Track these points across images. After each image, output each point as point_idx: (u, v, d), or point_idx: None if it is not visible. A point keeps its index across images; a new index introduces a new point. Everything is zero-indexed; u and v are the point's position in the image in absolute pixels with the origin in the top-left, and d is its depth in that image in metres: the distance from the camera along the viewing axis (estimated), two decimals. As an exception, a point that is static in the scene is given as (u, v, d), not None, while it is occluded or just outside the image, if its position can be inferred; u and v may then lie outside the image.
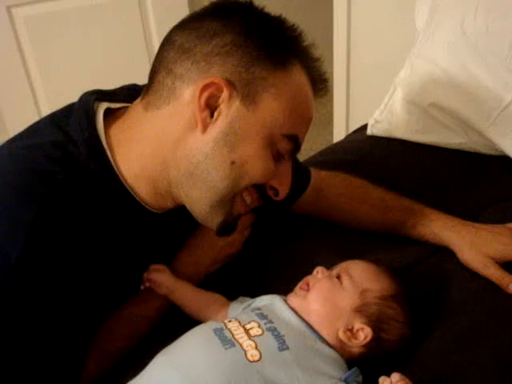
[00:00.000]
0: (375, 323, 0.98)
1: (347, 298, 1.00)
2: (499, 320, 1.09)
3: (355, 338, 0.97)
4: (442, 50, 1.67)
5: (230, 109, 0.95)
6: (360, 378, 0.94)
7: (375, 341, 0.97)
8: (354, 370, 0.94)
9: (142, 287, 1.13)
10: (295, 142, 1.01)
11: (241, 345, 0.91)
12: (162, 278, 1.12)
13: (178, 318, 1.12)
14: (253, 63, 0.95)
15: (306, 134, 1.06)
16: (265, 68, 0.96)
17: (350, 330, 0.98)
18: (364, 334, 0.97)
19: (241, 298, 1.11)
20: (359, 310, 0.98)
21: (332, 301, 1.00)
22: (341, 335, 0.97)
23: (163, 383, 0.89)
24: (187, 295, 1.12)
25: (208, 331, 0.95)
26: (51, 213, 0.90)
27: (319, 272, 1.05)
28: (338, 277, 1.03)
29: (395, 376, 0.89)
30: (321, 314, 0.99)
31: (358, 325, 0.97)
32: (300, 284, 1.05)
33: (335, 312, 0.98)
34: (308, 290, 1.03)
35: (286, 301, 1.03)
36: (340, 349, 0.97)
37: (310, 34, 1.04)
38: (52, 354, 0.94)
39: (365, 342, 0.97)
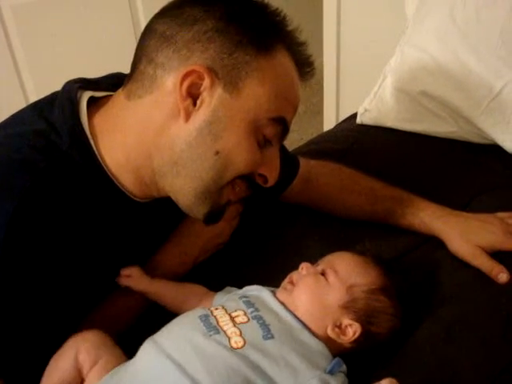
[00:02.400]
0: (364, 318, 0.97)
1: (334, 294, 0.98)
2: (489, 309, 1.09)
3: (344, 335, 0.96)
4: (432, 37, 1.66)
5: (212, 97, 0.94)
6: (344, 368, 0.93)
7: (365, 335, 0.96)
8: (336, 360, 0.92)
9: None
10: (283, 125, 1.00)
11: (225, 332, 0.90)
12: (133, 283, 1.10)
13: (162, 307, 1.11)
14: (235, 49, 0.94)
15: (293, 122, 1.05)
16: (248, 53, 0.94)
17: (339, 327, 0.96)
18: (353, 330, 0.96)
19: (227, 288, 1.10)
20: (347, 307, 0.97)
21: (318, 299, 0.98)
22: (329, 332, 0.95)
23: (153, 370, 0.88)
24: (165, 293, 1.11)
25: (194, 318, 0.95)
26: (33, 202, 0.89)
27: (304, 268, 1.03)
28: (324, 273, 1.01)
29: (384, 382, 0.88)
30: (308, 311, 0.97)
31: (346, 321, 0.96)
32: (286, 280, 1.04)
33: (322, 310, 0.97)
34: (293, 286, 1.02)
35: (274, 293, 1.02)
36: (329, 344, 0.95)
37: (300, 22, 1.03)
38: (32, 342, 0.92)
39: (354, 338, 0.96)
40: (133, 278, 1.10)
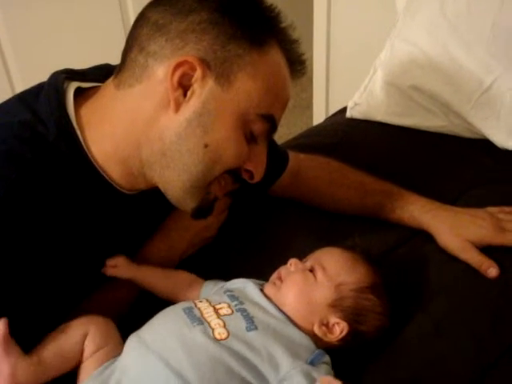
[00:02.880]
0: (352, 317, 0.97)
1: (322, 292, 0.98)
2: (478, 304, 1.09)
3: (331, 333, 0.96)
4: (423, 31, 1.66)
5: (203, 88, 0.93)
6: (327, 359, 0.93)
7: (352, 334, 0.96)
8: (318, 351, 0.93)
9: None
10: (271, 123, 1.00)
11: (209, 323, 0.91)
12: (119, 273, 1.09)
13: (150, 299, 1.11)
14: (229, 41, 0.93)
15: (283, 116, 1.04)
16: (241, 47, 0.94)
17: (326, 325, 0.96)
18: (340, 328, 0.96)
19: (217, 280, 1.10)
20: (334, 305, 0.97)
21: (306, 296, 0.98)
22: (316, 330, 0.95)
23: (138, 365, 0.88)
24: (153, 280, 1.11)
25: (178, 310, 0.95)
26: (19, 193, 0.88)
27: (292, 264, 1.03)
28: (312, 269, 1.01)
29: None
30: (294, 308, 0.97)
31: (333, 319, 0.96)
32: (274, 275, 1.04)
33: (309, 307, 0.97)
34: (282, 282, 1.01)
35: (260, 287, 1.02)
36: (316, 340, 0.95)
37: (290, 16, 1.02)
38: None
39: (341, 337, 0.95)
40: (119, 267, 1.09)
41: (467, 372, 0.97)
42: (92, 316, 0.96)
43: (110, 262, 1.08)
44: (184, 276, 1.11)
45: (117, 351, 0.94)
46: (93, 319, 0.95)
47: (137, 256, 1.14)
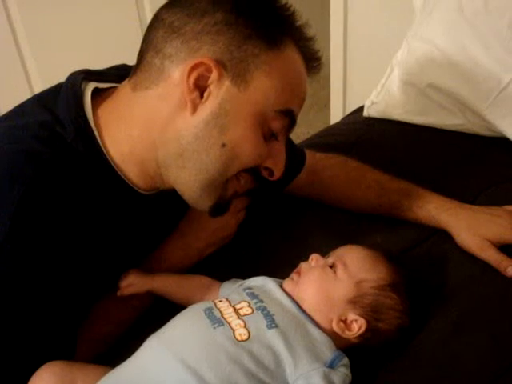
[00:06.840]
0: (371, 314, 0.96)
1: (341, 288, 0.98)
2: (497, 303, 1.08)
3: (349, 330, 0.96)
4: (440, 29, 1.65)
5: (219, 89, 0.94)
6: (345, 361, 0.92)
7: (371, 331, 0.96)
8: (336, 353, 0.92)
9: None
10: (290, 117, 1.00)
11: (229, 324, 0.90)
12: (136, 289, 1.09)
13: (169, 301, 1.11)
14: (244, 41, 0.93)
15: (300, 116, 1.04)
16: (257, 46, 0.94)
17: (344, 321, 0.96)
18: (358, 325, 0.95)
19: (234, 280, 1.10)
20: (354, 301, 0.97)
21: (324, 292, 0.98)
22: (334, 326, 0.95)
23: (155, 363, 0.88)
24: (169, 289, 1.11)
25: (198, 311, 0.95)
26: (37, 194, 0.89)
27: (314, 260, 1.03)
28: (333, 265, 1.01)
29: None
30: (313, 304, 0.97)
31: (351, 316, 0.96)
32: (295, 270, 1.04)
33: (328, 303, 0.97)
34: (300, 277, 1.01)
35: (280, 284, 1.02)
36: (335, 337, 0.95)
37: (306, 15, 1.02)
38: (40, 334, 0.93)
39: (359, 334, 0.95)
40: (134, 284, 1.09)
41: (485, 373, 0.96)
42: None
43: (124, 283, 1.08)
44: (201, 280, 1.11)
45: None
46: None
47: (155, 255, 1.15)
